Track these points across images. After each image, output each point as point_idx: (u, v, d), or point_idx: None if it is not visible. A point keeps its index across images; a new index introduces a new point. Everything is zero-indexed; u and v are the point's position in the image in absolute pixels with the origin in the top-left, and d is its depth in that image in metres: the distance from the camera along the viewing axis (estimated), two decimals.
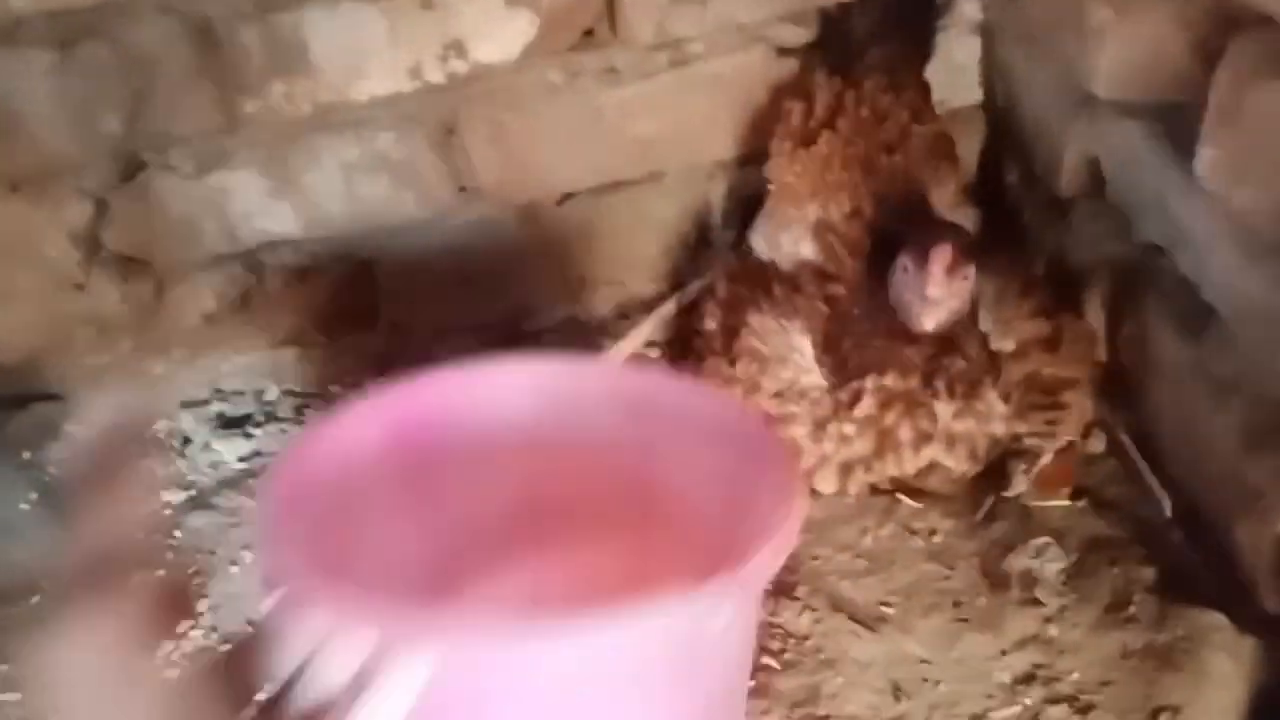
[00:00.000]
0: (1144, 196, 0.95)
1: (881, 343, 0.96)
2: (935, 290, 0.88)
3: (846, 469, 1.00)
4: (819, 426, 0.99)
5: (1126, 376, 1.04)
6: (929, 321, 0.90)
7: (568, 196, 1.26)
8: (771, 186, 1.13)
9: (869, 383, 0.96)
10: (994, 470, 1.02)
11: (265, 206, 1.19)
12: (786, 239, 1.10)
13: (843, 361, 0.99)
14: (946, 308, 0.91)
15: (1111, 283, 1.03)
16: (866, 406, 0.96)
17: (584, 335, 1.29)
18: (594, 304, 1.31)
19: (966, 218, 1.10)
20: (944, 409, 0.96)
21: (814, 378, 1.01)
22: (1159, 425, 0.99)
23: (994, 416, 0.98)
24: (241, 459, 1.16)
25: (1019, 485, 1.01)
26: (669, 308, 1.28)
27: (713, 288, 1.15)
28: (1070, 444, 1.04)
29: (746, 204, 1.25)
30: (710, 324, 1.12)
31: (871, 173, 1.06)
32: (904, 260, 0.92)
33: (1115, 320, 1.03)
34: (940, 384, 0.95)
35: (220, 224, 1.18)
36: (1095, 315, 1.06)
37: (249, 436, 1.18)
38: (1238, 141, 0.75)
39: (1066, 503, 1.00)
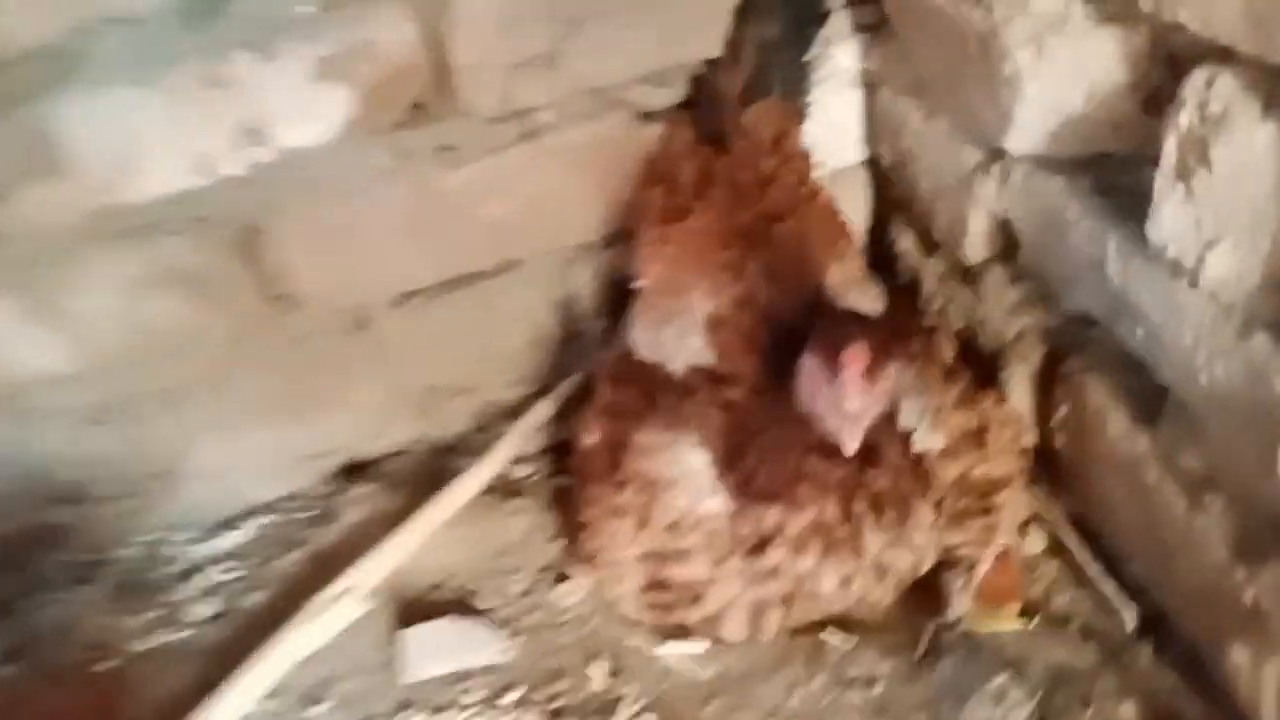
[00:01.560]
0: (1073, 263, 0.82)
1: (791, 457, 0.80)
2: (853, 403, 0.73)
3: (758, 610, 0.83)
4: (720, 563, 0.83)
5: (1062, 462, 0.91)
6: (850, 441, 0.74)
7: (407, 296, 1.06)
8: (644, 280, 0.97)
9: (772, 517, 0.80)
10: (926, 587, 0.87)
11: (23, 338, 0.95)
12: (669, 336, 0.93)
13: (746, 480, 0.83)
14: (867, 418, 0.75)
15: (1039, 357, 0.90)
16: (779, 555, 0.80)
17: (434, 457, 1.10)
18: (446, 418, 1.12)
19: (872, 297, 0.95)
20: (872, 541, 0.80)
21: (714, 503, 0.84)
22: (1111, 521, 0.86)
23: (928, 542, 0.83)
24: None
25: (959, 605, 0.87)
26: (538, 415, 1.10)
27: (592, 395, 0.97)
28: (1007, 549, 0.90)
29: (618, 290, 1.09)
30: (590, 439, 0.94)
31: (759, 248, 0.91)
32: (810, 364, 0.76)
33: (1045, 400, 0.90)
34: (863, 508, 0.79)
35: None
36: (1022, 397, 0.92)
37: None
38: (1207, 198, 0.62)
39: (1016, 625, 0.85)
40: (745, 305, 0.90)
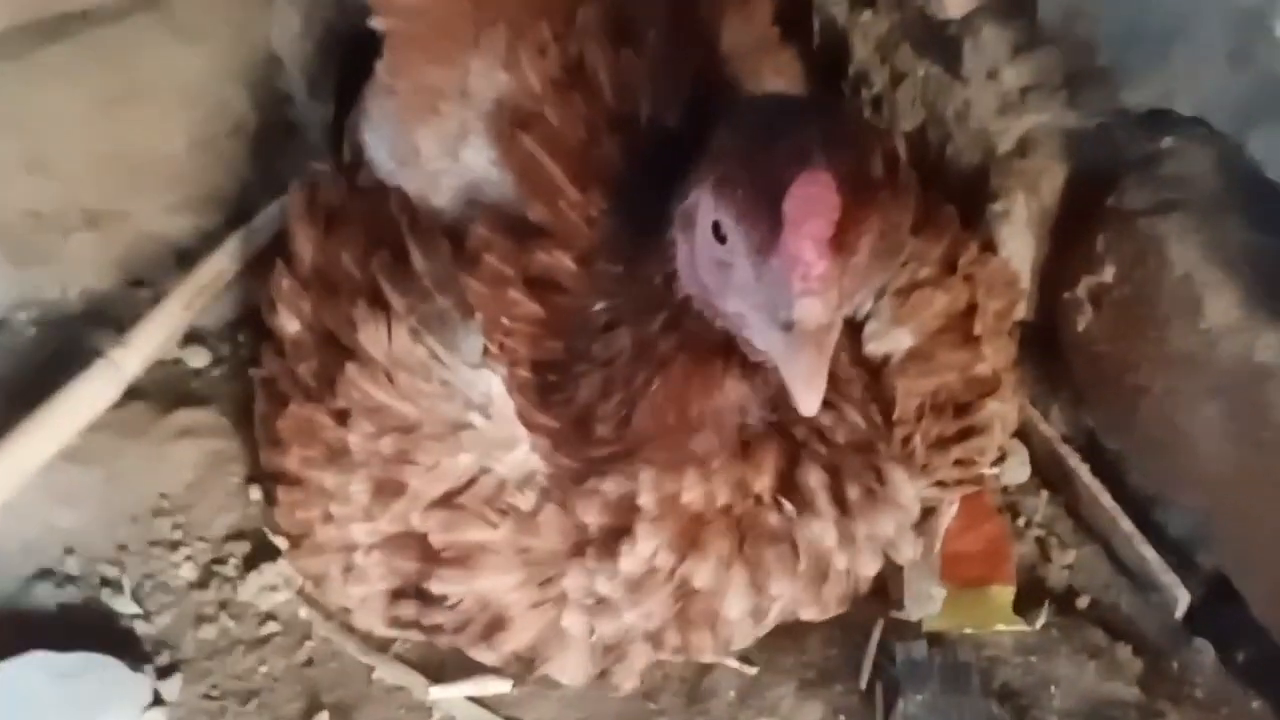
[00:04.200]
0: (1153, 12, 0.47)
1: (670, 380, 0.43)
2: (815, 306, 0.34)
3: (610, 651, 0.48)
4: (540, 573, 0.49)
5: (1081, 358, 0.62)
6: (810, 392, 0.36)
7: None
8: (386, 22, 0.53)
9: (646, 487, 0.45)
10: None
11: None
12: (430, 141, 0.55)
13: (582, 422, 0.46)
14: (838, 328, 0.37)
15: (1054, 183, 0.56)
16: (645, 552, 0.45)
17: (53, 331, 0.68)
18: (66, 266, 0.72)
19: (792, 76, 0.56)
20: (821, 533, 0.44)
21: (520, 459, 0.46)
22: (1168, 455, 0.57)
23: (907, 518, 0.48)
24: None
25: (921, 589, 0.55)
26: (219, 263, 0.69)
27: (288, 248, 0.56)
28: (982, 488, 0.59)
29: (352, 49, 0.68)
30: (289, 323, 0.56)
31: None
32: (715, 208, 0.37)
33: (1063, 256, 0.56)
34: (816, 477, 0.44)
35: None
36: (1018, 246, 0.58)
37: None
38: None
39: (1011, 621, 0.54)
40: (575, 87, 0.49)
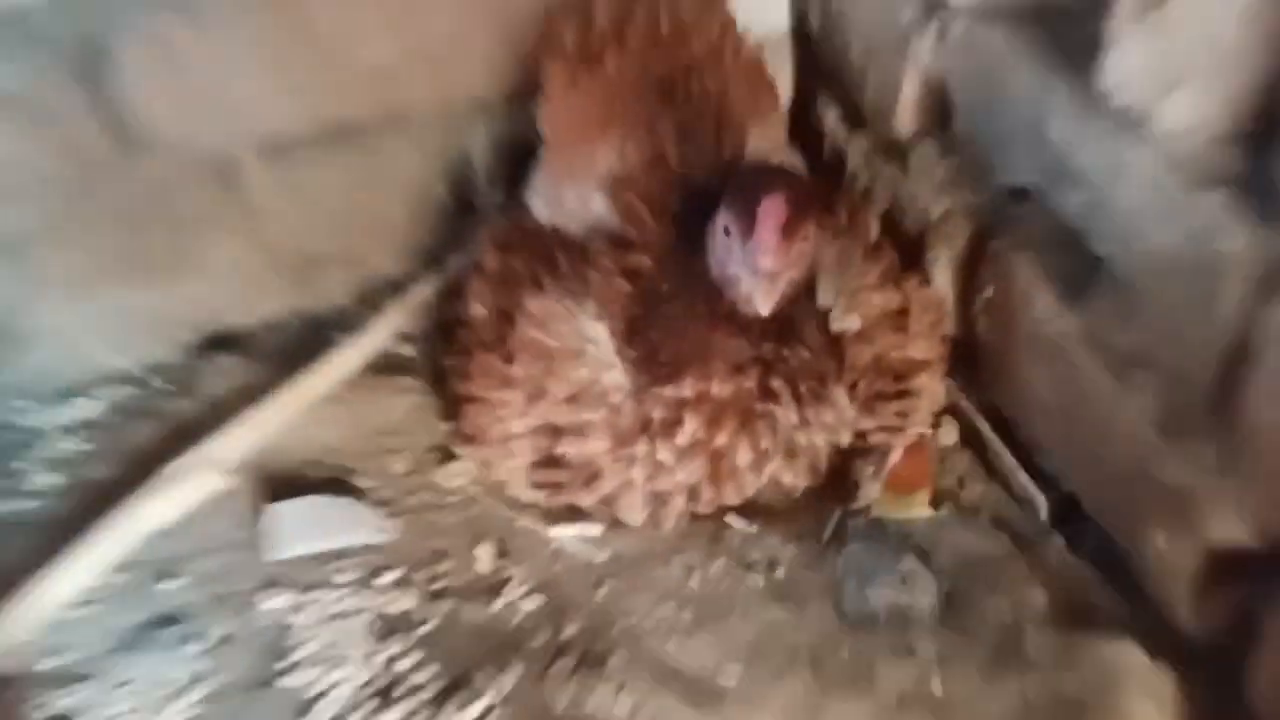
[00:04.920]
0: (1010, 125, 0.77)
1: (700, 327, 0.74)
2: (770, 260, 0.66)
3: (660, 499, 0.77)
4: (622, 443, 0.77)
5: (982, 351, 0.86)
6: (765, 303, 0.68)
7: (278, 148, 0.95)
8: (545, 128, 0.87)
9: (688, 388, 0.73)
10: (835, 476, 0.82)
11: None
12: (571, 196, 0.85)
13: (652, 354, 0.76)
14: (786, 281, 0.68)
15: (964, 238, 0.84)
16: (690, 428, 0.74)
17: (313, 331, 0.99)
18: (323, 291, 1.02)
19: (794, 165, 0.88)
20: (786, 416, 0.74)
21: (615, 375, 0.78)
22: (1030, 409, 0.82)
23: (843, 420, 0.78)
24: None
25: (869, 492, 0.83)
26: (424, 290, 1.00)
27: (479, 262, 0.88)
28: (921, 437, 0.86)
29: (518, 156, 1.00)
30: (478, 309, 0.86)
31: (674, 103, 0.83)
32: (724, 219, 0.69)
33: (969, 284, 0.85)
34: (779, 382, 0.73)
35: None
36: (944, 281, 0.88)
37: None
38: (1164, 38, 0.56)
39: (926, 512, 0.81)
40: (655, 165, 0.82)
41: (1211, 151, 0.58)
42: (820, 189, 0.85)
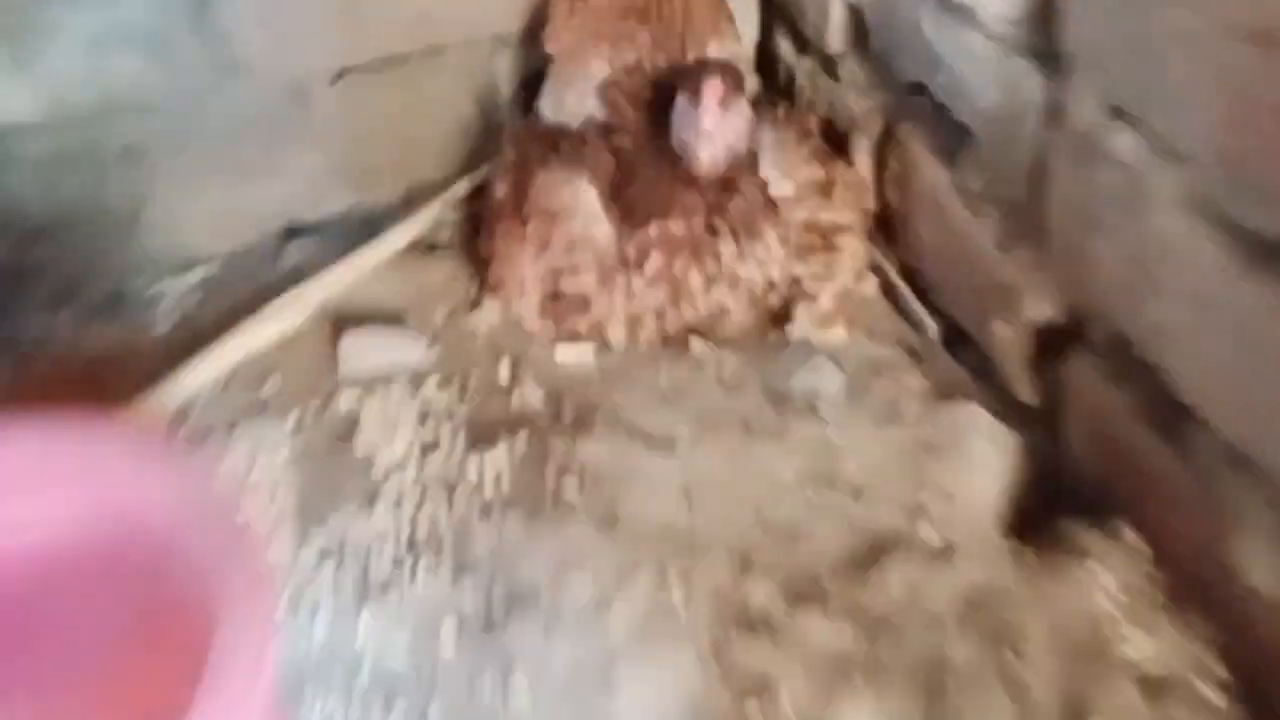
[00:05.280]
0: (903, 36, 1.00)
1: (665, 186, 0.98)
2: (709, 121, 0.91)
3: (636, 320, 1.01)
4: (607, 277, 1.01)
5: (894, 219, 1.10)
6: (705, 154, 0.92)
7: (341, 74, 1.20)
8: (552, 49, 1.13)
9: (653, 230, 0.98)
10: (778, 318, 1.06)
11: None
12: (571, 97, 1.10)
13: (630, 208, 1.01)
14: (722, 142, 0.93)
15: (879, 128, 1.08)
16: (655, 260, 0.98)
17: (368, 225, 1.25)
18: (378, 192, 1.26)
19: (747, 78, 1.13)
20: (727, 250, 0.98)
21: (602, 226, 1.02)
22: (924, 256, 1.06)
23: (773, 259, 1.02)
24: None
25: (800, 325, 1.06)
26: (457, 189, 1.25)
27: (502, 153, 1.13)
28: (846, 287, 1.10)
29: (533, 84, 1.24)
30: (501, 189, 1.11)
31: (649, 23, 1.08)
32: (680, 99, 0.94)
33: (881, 166, 1.09)
34: (722, 224, 0.98)
35: None
36: (864, 164, 1.11)
37: None
38: None
39: (843, 333, 1.05)
40: (634, 71, 1.07)
41: (1015, 29, 0.81)
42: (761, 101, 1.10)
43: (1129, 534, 0.80)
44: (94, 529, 0.56)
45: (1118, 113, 0.72)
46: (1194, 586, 0.75)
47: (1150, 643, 0.75)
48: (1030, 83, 0.81)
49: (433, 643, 0.79)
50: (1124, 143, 0.71)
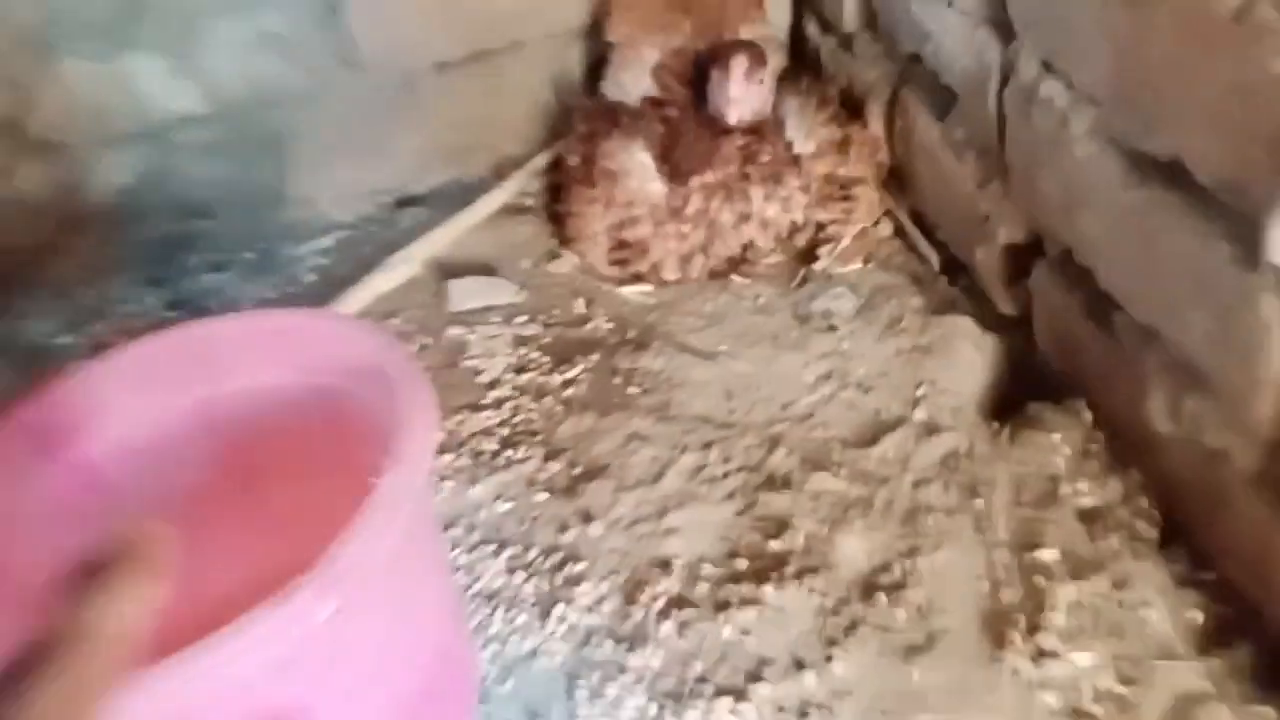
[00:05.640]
0: (900, 14, 1.20)
1: (704, 144, 1.20)
2: (736, 89, 1.13)
3: (685, 259, 1.24)
4: (660, 225, 1.23)
5: (903, 170, 1.30)
6: (733, 115, 1.15)
7: (441, 66, 1.45)
8: (613, 38, 1.35)
9: (695, 181, 1.20)
10: (807, 257, 1.28)
11: (169, 87, 1.34)
12: (629, 79, 1.33)
13: (676, 166, 1.23)
14: (748, 107, 1.15)
15: (888, 94, 1.28)
16: (696, 202, 1.20)
17: (465, 194, 1.49)
18: (472, 166, 1.51)
19: (773, 57, 1.34)
20: (755, 193, 1.20)
21: (656, 185, 1.24)
22: (925, 199, 1.25)
23: (795, 204, 1.23)
24: None
25: (825, 261, 1.27)
26: (537, 163, 1.49)
27: (574, 128, 1.36)
28: (864, 230, 1.30)
29: (597, 69, 1.47)
30: (573, 159, 1.33)
31: (692, 13, 1.30)
32: (713, 73, 1.16)
33: (891, 125, 1.29)
34: (753, 171, 1.19)
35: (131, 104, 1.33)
36: (877, 125, 1.31)
37: None
38: None
39: (859, 267, 1.25)
40: (680, 54, 1.29)
41: (978, 5, 1.01)
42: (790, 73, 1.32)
43: (1083, 410, 1.00)
44: (302, 391, 0.79)
45: (1048, 67, 0.91)
46: (1127, 443, 0.94)
47: (1092, 489, 0.95)
48: (991, 49, 1.01)
49: (528, 504, 1.03)
50: (1053, 91, 0.91)
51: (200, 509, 0.73)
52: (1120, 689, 0.79)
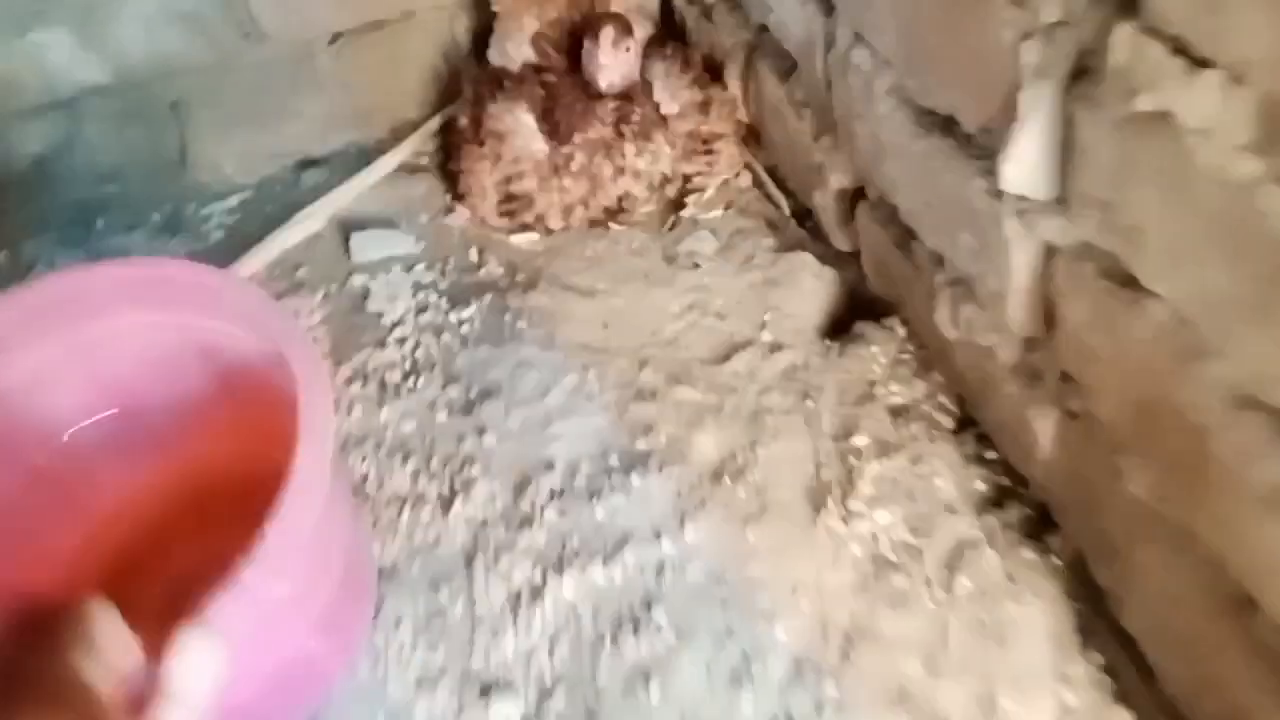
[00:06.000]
0: None
1: (582, 105, 1.35)
2: (605, 57, 1.28)
3: (568, 209, 1.39)
4: (544, 180, 1.38)
5: (757, 127, 1.47)
6: (604, 82, 1.30)
7: (337, 36, 1.56)
8: (496, 8, 1.49)
9: (577, 139, 1.35)
10: (676, 205, 1.44)
11: (77, 59, 1.43)
12: (511, 48, 1.46)
13: (556, 126, 1.37)
14: (617, 72, 1.31)
15: (742, 59, 1.45)
16: (579, 160, 1.35)
17: (363, 156, 1.62)
18: (370, 129, 1.63)
19: (643, 26, 1.49)
20: (629, 149, 1.36)
21: (539, 143, 1.39)
22: (777, 153, 1.43)
23: (663, 157, 1.39)
24: None
25: (691, 209, 1.44)
26: (431, 124, 1.62)
27: (462, 93, 1.50)
28: (725, 180, 1.47)
29: (483, 38, 1.60)
30: (463, 121, 1.47)
31: None
32: (586, 42, 1.31)
33: (747, 86, 1.46)
34: (626, 129, 1.35)
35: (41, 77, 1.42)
36: (735, 86, 1.48)
37: None
38: None
39: (721, 213, 1.42)
40: (557, 24, 1.44)
41: None
42: (657, 41, 1.47)
43: (898, 326, 1.19)
44: (189, 336, 0.92)
45: (858, 38, 1.09)
46: (931, 350, 1.14)
47: (902, 390, 1.14)
48: (816, 21, 1.18)
49: (430, 421, 1.18)
50: (861, 58, 1.08)
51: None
52: (911, 539, 0.98)
